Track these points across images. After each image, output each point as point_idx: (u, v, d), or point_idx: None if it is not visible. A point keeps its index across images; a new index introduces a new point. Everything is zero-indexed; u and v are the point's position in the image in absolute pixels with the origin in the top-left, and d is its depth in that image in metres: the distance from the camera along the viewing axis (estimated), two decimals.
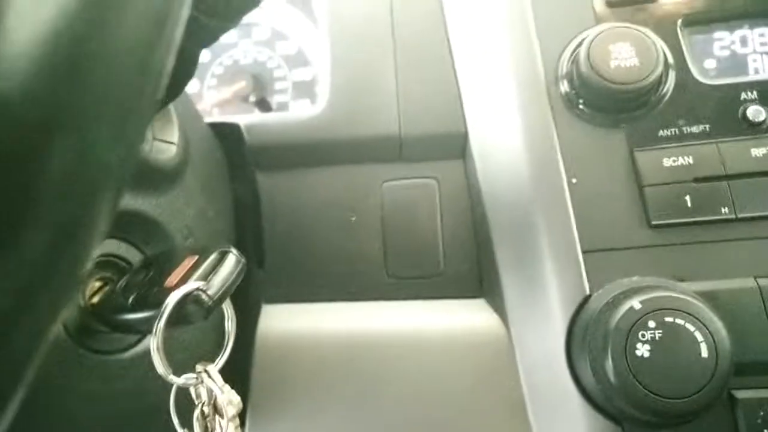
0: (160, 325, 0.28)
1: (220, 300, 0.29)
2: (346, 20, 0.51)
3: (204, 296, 0.29)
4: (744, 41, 0.42)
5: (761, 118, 0.39)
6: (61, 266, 0.15)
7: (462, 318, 0.45)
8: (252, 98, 0.62)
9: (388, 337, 0.44)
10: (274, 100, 0.65)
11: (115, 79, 0.15)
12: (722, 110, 0.40)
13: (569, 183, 0.41)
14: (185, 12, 0.19)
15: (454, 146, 0.47)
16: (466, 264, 0.47)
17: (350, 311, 0.46)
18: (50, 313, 0.16)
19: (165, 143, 0.37)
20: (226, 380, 0.32)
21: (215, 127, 0.48)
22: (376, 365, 0.43)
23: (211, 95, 0.66)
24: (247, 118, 0.50)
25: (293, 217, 0.49)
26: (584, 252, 0.39)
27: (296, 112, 0.54)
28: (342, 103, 0.48)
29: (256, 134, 0.48)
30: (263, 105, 0.62)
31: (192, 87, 0.64)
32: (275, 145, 0.48)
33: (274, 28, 0.67)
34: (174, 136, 0.38)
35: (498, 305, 0.44)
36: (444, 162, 0.48)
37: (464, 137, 0.47)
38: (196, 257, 0.32)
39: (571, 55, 0.42)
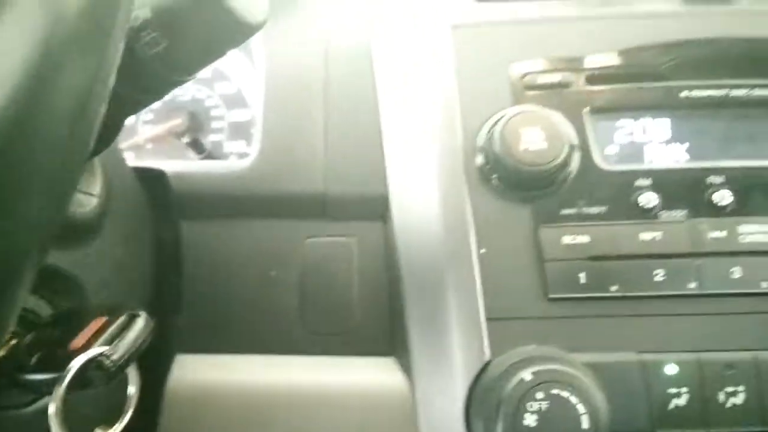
0: (60, 390, 0.28)
1: (125, 365, 0.30)
2: (282, 74, 0.53)
3: (107, 362, 0.29)
4: (644, 130, 0.46)
5: (652, 204, 0.43)
6: None
7: (371, 376, 0.46)
8: (185, 139, 0.63)
9: (300, 390, 0.45)
10: (209, 139, 0.66)
11: (41, 156, 0.16)
12: (618, 195, 0.43)
13: (479, 252, 0.43)
14: (106, 90, 0.20)
15: (376, 207, 0.49)
16: (379, 322, 0.49)
17: (264, 364, 0.47)
18: None
19: (85, 195, 0.37)
20: (132, 430, 0.33)
21: (140, 171, 0.48)
22: (286, 418, 0.45)
23: (146, 129, 0.66)
24: (173, 165, 0.50)
25: (214, 266, 0.49)
26: (488, 319, 0.42)
27: (225, 163, 0.55)
28: (271, 158, 0.49)
29: (183, 182, 0.49)
30: (196, 146, 0.63)
31: (127, 120, 0.64)
32: (202, 194, 0.49)
33: (215, 67, 0.67)
34: (96, 187, 0.38)
35: (406, 364, 0.46)
36: (365, 222, 0.50)
37: (386, 200, 0.49)
38: (105, 319, 0.32)
39: (488, 131, 0.44)
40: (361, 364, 0.48)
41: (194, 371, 0.46)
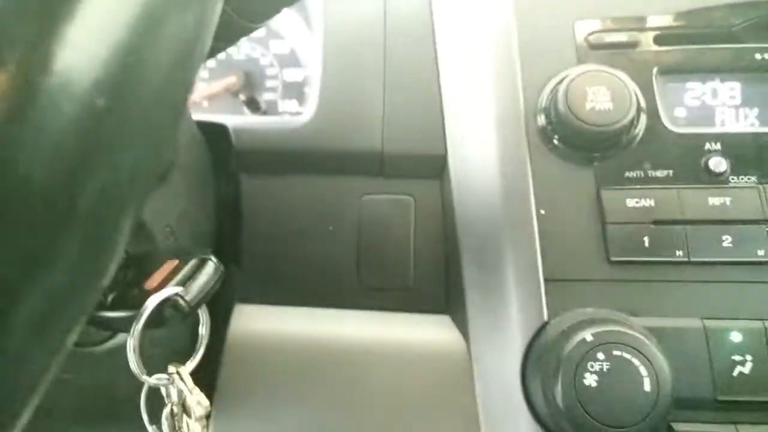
0: (138, 326, 0.29)
1: (197, 306, 0.31)
2: (341, 32, 0.52)
3: (182, 302, 0.30)
4: (714, 93, 0.44)
5: (722, 168, 0.42)
6: (89, 279, 0.17)
7: (426, 332, 0.47)
8: (242, 96, 0.63)
9: (355, 344, 0.46)
10: (264, 98, 0.66)
11: (147, 110, 0.17)
12: (686, 158, 0.42)
13: (538, 214, 0.43)
14: (206, 46, 0.20)
15: (433, 167, 0.49)
16: (435, 281, 0.49)
17: (321, 317, 0.48)
18: (74, 323, 0.17)
19: None
20: (193, 375, 0.34)
21: (203, 126, 0.49)
22: (341, 371, 0.45)
23: (201, 87, 0.67)
24: (235, 120, 0.51)
25: (273, 221, 0.50)
26: (546, 280, 0.42)
27: (285, 119, 0.56)
28: (329, 115, 0.49)
29: (243, 137, 0.50)
30: (252, 104, 0.64)
31: None
32: (261, 149, 0.50)
33: (269, 26, 0.68)
34: None
35: (461, 323, 0.46)
36: (422, 181, 0.50)
37: (443, 159, 0.48)
38: (177, 262, 0.33)
39: (551, 91, 0.44)
40: (416, 321, 0.48)
41: (253, 321, 0.48)
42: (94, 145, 0.15)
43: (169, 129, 0.18)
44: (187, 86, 0.18)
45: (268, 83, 0.67)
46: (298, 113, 0.65)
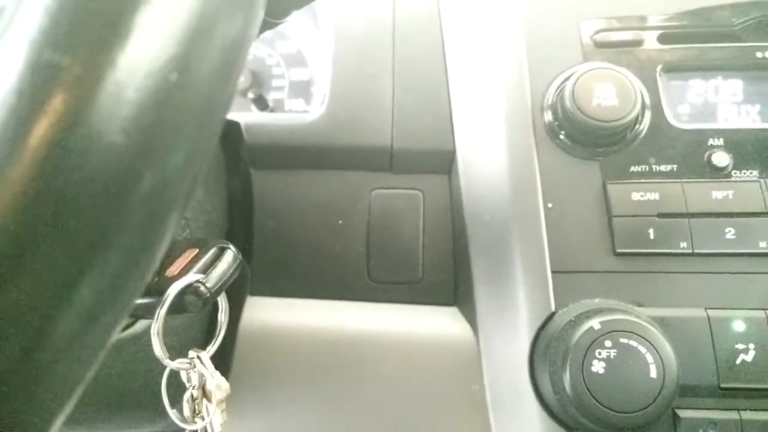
0: (162, 312, 0.30)
1: (217, 293, 0.32)
2: (350, 30, 0.53)
3: (203, 288, 0.31)
4: (717, 91, 0.45)
5: (724, 163, 0.43)
6: (140, 269, 0.17)
7: (435, 323, 0.48)
8: (250, 95, 0.64)
9: (365, 336, 0.47)
10: (271, 97, 0.67)
11: (196, 107, 0.17)
12: (690, 153, 0.43)
13: (545, 207, 0.44)
14: (249, 45, 0.21)
15: (442, 162, 0.50)
16: (443, 274, 0.50)
17: (331, 309, 0.49)
18: (123, 312, 0.18)
19: None
20: None
21: None
22: (351, 362, 0.46)
23: None
24: (246, 117, 0.52)
25: (283, 215, 0.51)
26: (553, 272, 0.42)
27: (295, 115, 0.57)
28: (339, 111, 0.50)
29: (254, 133, 0.51)
30: (260, 102, 0.64)
31: None
32: (272, 145, 0.50)
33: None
34: None
35: (469, 314, 0.47)
36: (431, 176, 0.51)
37: (452, 154, 0.49)
38: (196, 250, 0.34)
39: (558, 88, 0.45)
40: (425, 313, 0.49)
41: (265, 313, 0.48)
42: (163, 122, 0.16)
43: (221, 115, 0.19)
44: (237, 74, 0.19)
45: (275, 82, 0.68)
46: (305, 111, 0.66)
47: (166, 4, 0.15)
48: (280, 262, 0.51)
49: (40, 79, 0.14)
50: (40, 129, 0.14)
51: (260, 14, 0.20)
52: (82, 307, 0.16)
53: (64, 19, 0.14)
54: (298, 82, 0.68)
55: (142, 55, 0.15)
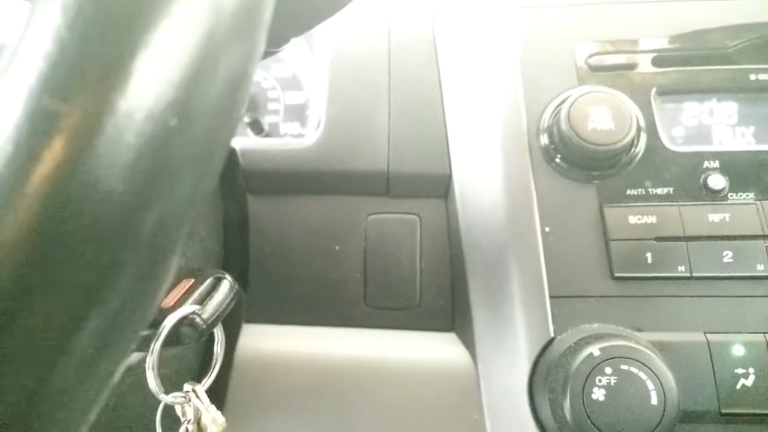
0: (157, 345, 0.30)
1: (214, 324, 0.31)
2: (346, 54, 0.54)
3: (198, 320, 0.31)
4: (711, 113, 0.46)
5: (720, 186, 0.43)
6: (137, 315, 0.17)
7: (433, 350, 0.47)
8: (246, 118, 0.64)
9: (362, 363, 0.46)
10: (266, 120, 0.67)
11: (199, 151, 0.17)
12: (686, 176, 0.43)
13: (542, 231, 0.43)
14: (252, 74, 0.20)
15: (438, 186, 0.50)
16: (441, 299, 0.50)
17: (328, 336, 0.48)
18: (128, 347, 0.18)
19: None
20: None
21: None
22: (348, 390, 0.46)
23: None
24: (242, 142, 0.52)
25: (279, 241, 0.51)
26: (551, 297, 0.42)
27: (291, 140, 0.57)
28: (336, 135, 0.50)
29: (250, 158, 0.50)
30: (256, 126, 0.64)
31: None
32: (268, 170, 0.50)
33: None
34: None
35: (468, 340, 0.47)
36: (427, 200, 0.51)
37: (448, 179, 0.49)
38: (192, 280, 0.33)
39: (553, 111, 0.45)
40: (423, 339, 0.48)
41: (261, 341, 0.48)
42: (163, 167, 0.16)
43: (222, 153, 0.19)
44: (238, 112, 0.19)
45: (270, 106, 0.68)
46: (300, 135, 0.66)
47: (166, 46, 0.15)
48: (276, 288, 0.50)
49: (38, 127, 0.14)
50: (38, 178, 0.14)
51: (261, 49, 0.19)
52: (82, 351, 0.16)
53: (62, 65, 0.14)
54: (293, 106, 0.68)
55: (141, 101, 0.15)
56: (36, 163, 0.14)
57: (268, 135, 0.66)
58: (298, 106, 0.68)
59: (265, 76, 0.68)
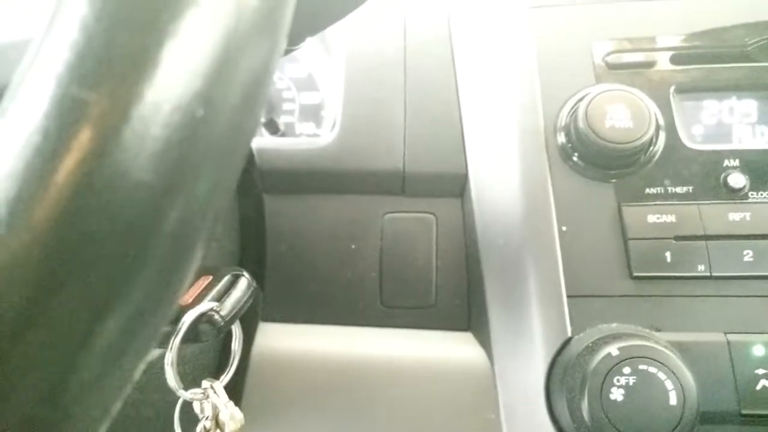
0: (176, 341, 0.30)
1: (232, 321, 0.32)
2: (362, 54, 0.54)
3: (217, 317, 0.31)
4: (731, 111, 0.45)
5: (741, 184, 0.42)
6: (160, 309, 0.17)
7: (449, 349, 0.47)
8: (262, 119, 0.65)
9: (378, 362, 0.46)
10: (281, 120, 0.68)
11: (223, 142, 0.17)
12: (706, 174, 0.43)
13: (560, 230, 0.43)
14: (273, 71, 0.20)
15: (454, 185, 0.50)
16: (457, 298, 0.49)
17: (343, 335, 0.49)
18: (148, 345, 0.18)
19: None
20: None
21: None
22: (363, 389, 0.46)
23: None
24: (258, 142, 0.52)
25: (295, 240, 0.51)
26: (569, 297, 0.42)
27: (307, 139, 0.57)
28: (352, 136, 0.50)
29: (266, 158, 0.51)
30: (271, 125, 0.65)
31: None
32: (284, 170, 0.50)
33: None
34: None
35: (484, 340, 0.46)
36: (443, 199, 0.51)
37: (464, 178, 0.49)
38: (210, 277, 0.34)
39: (571, 110, 0.44)
40: (439, 339, 0.48)
41: (277, 340, 0.48)
42: (189, 158, 0.16)
43: (245, 148, 0.19)
44: (261, 107, 0.19)
45: (286, 106, 0.68)
46: (315, 135, 0.66)
47: (193, 37, 0.15)
48: (292, 287, 0.51)
49: (66, 116, 0.14)
50: (66, 168, 0.14)
51: (283, 45, 0.19)
52: (104, 347, 0.16)
53: (89, 54, 0.14)
54: (308, 106, 0.68)
55: (168, 90, 0.15)
56: (65, 152, 0.14)
57: (283, 135, 0.66)
58: (314, 106, 0.68)
59: (280, 76, 0.69)
